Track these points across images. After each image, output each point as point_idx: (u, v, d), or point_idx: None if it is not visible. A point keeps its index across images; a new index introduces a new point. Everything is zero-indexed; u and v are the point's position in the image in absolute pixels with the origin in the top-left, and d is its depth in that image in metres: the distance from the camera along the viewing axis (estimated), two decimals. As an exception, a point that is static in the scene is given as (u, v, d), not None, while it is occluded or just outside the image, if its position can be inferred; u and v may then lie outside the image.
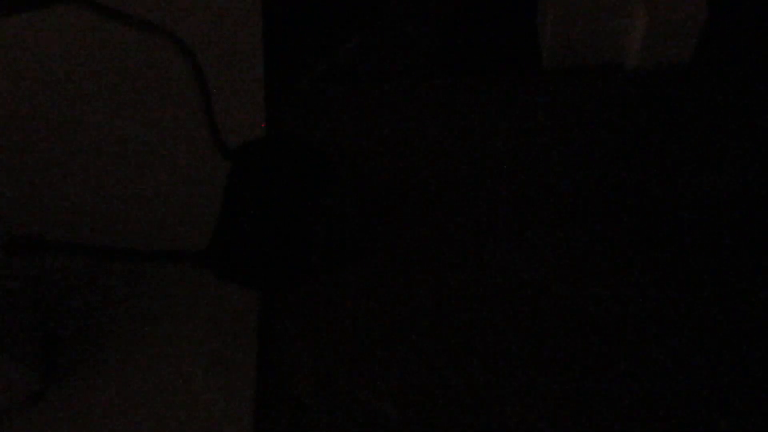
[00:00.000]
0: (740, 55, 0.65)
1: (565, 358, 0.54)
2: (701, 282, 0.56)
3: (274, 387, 0.54)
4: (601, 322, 0.55)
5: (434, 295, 0.57)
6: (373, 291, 0.57)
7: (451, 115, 0.64)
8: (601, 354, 0.54)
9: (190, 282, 0.57)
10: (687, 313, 0.55)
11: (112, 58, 0.68)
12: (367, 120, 0.64)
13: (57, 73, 0.67)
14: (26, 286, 0.57)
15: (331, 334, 0.56)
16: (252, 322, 0.56)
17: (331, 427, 0.52)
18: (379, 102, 0.65)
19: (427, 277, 0.57)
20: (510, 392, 0.53)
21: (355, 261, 0.58)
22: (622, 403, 0.52)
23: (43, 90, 0.67)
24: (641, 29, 0.61)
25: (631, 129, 0.62)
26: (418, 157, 0.62)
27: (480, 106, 0.64)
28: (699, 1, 0.60)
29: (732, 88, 0.63)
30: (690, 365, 0.53)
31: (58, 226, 0.60)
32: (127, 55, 0.68)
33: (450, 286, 0.57)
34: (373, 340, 0.55)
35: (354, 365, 0.55)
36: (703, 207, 0.58)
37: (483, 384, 0.53)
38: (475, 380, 0.53)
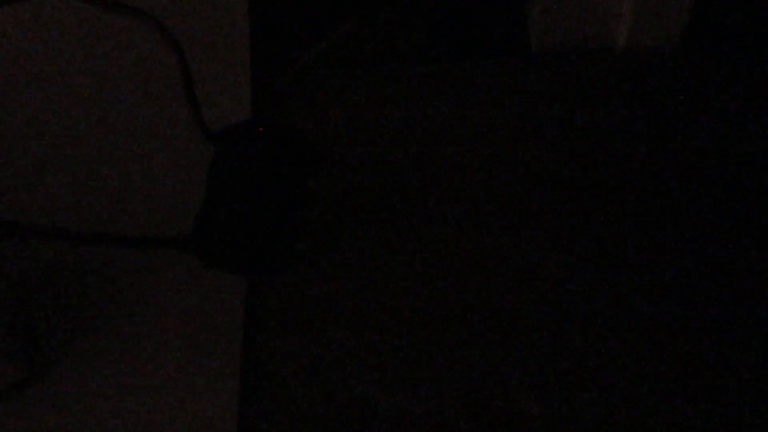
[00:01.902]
0: (729, 37, 0.65)
1: (556, 340, 0.54)
2: (695, 268, 0.56)
3: (261, 375, 0.54)
4: (593, 307, 0.55)
5: (423, 281, 0.56)
6: (361, 278, 0.57)
7: (440, 100, 0.64)
8: (593, 338, 0.54)
9: (175, 268, 0.57)
10: (673, 296, 0.55)
11: (95, 44, 0.67)
12: (355, 105, 0.64)
13: (39, 60, 0.67)
14: (8, 274, 0.56)
15: (318, 321, 0.56)
16: (238, 310, 0.56)
17: (319, 415, 0.52)
18: (368, 87, 0.65)
19: (415, 263, 0.57)
20: (498, 375, 0.53)
21: (341, 248, 0.58)
22: (612, 385, 0.52)
23: (25, 77, 0.66)
24: (629, 11, 0.61)
25: (621, 112, 0.62)
26: (407, 143, 0.62)
27: (468, 91, 0.64)
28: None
29: (721, 69, 0.64)
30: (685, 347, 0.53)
31: (41, 212, 0.60)
32: (110, 40, 0.67)
33: (439, 272, 0.57)
34: (360, 327, 0.55)
35: (342, 352, 0.54)
36: (693, 187, 0.59)
37: (471, 369, 0.53)
38: (463, 365, 0.53)
